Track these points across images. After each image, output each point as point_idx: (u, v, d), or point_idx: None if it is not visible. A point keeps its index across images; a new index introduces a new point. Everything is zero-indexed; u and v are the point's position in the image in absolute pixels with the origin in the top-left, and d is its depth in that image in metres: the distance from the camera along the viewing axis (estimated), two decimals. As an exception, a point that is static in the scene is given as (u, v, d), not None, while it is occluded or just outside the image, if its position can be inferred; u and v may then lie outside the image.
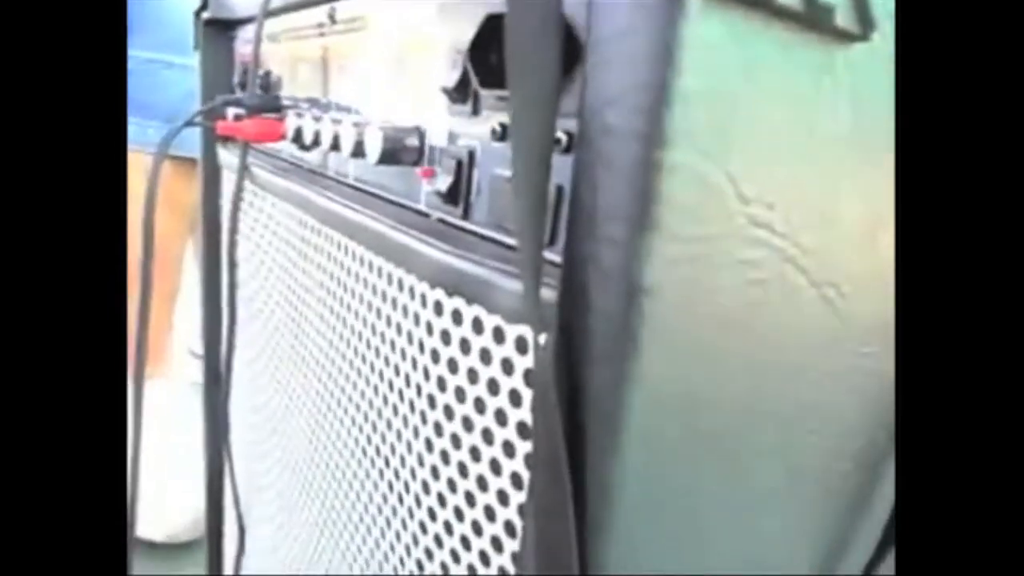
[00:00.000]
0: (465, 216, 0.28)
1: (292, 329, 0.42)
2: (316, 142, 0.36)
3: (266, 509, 0.50)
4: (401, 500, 0.30)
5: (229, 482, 0.56)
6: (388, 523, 0.31)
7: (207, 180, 0.54)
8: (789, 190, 0.20)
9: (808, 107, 0.20)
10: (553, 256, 0.22)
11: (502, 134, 0.26)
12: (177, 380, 1.07)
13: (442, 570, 0.28)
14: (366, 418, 0.33)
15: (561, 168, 0.21)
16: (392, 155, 0.30)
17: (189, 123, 0.42)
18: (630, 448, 0.19)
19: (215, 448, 0.63)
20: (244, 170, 0.45)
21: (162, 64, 0.84)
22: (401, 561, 0.31)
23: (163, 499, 0.91)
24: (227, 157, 0.51)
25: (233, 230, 0.47)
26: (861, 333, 0.24)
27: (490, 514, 0.25)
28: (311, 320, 0.39)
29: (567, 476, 0.19)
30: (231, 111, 0.47)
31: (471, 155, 0.27)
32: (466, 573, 0.26)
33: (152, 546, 0.91)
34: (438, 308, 0.26)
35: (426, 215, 0.30)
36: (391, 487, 0.31)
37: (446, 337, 0.26)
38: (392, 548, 0.31)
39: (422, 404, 0.28)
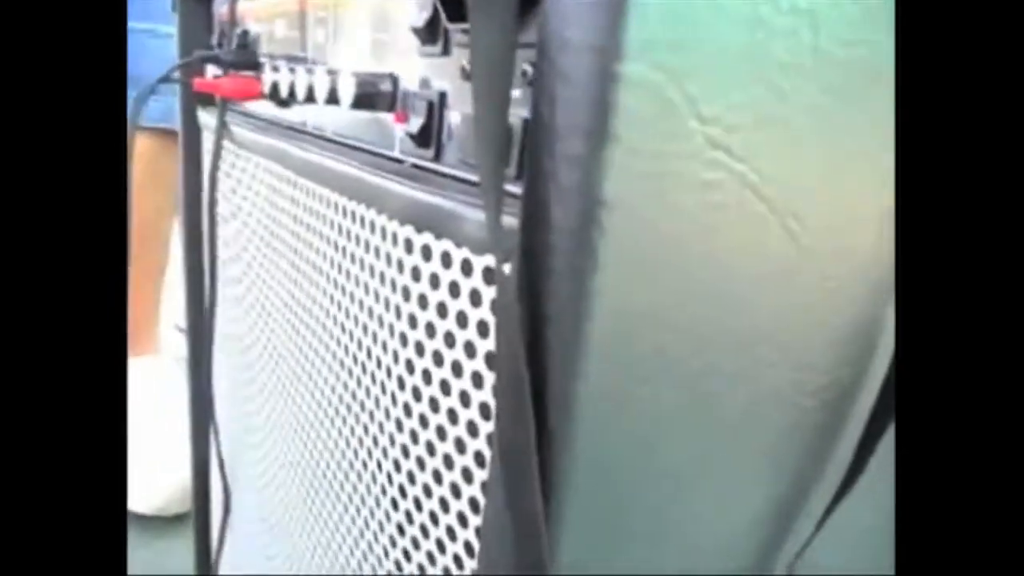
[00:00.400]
0: (437, 158, 0.28)
1: (273, 287, 0.42)
2: (292, 94, 0.36)
3: (252, 458, 0.51)
4: (376, 442, 0.30)
5: (214, 445, 0.56)
6: (364, 465, 0.32)
7: (187, 141, 0.53)
8: (749, 115, 0.20)
9: (766, 31, 0.20)
10: (519, 189, 0.22)
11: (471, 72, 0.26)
12: (165, 357, 1.07)
13: (415, 505, 0.28)
14: (342, 364, 0.33)
15: (527, 102, 0.21)
16: (366, 100, 0.31)
17: (165, 79, 0.42)
18: (592, 364, 0.19)
19: (200, 419, 0.63)
20: (222, 128, 0.45)
21: (147, 34, 0.83)
22: (377, 502, 0.31)
23: (151, 473, 0.92)
24: (207, 119, 0.51)
25: (212, 187, 0.47)
26: (823, 266, 0.25)
27: (460, 447, 0.25)
28: (289, 274, 0.39)
29: (528, 394, 0.19)
30: (210, 72, 0.47)
31: (442, 97, 0.27)
32: (438, 507, 0.27)
33: (140, 519, 0.91)
34: (408, 245, 0.26)
35: (400, 161, 0.31)
36: (366, 430, 0.31)
37: (416, 274, 0.26)
38: (368, 490, 0.32)
39: (394, 343, 0.28)
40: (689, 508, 0.24)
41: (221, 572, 0.63)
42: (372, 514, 0.32)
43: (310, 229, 0.36)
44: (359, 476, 0.32)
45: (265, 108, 0.45)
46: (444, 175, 0.27)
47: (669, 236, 0.20)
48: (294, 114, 0.42)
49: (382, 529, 0.31)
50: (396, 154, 0.31)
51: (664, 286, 0.20)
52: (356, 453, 0.32)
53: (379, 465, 0.30)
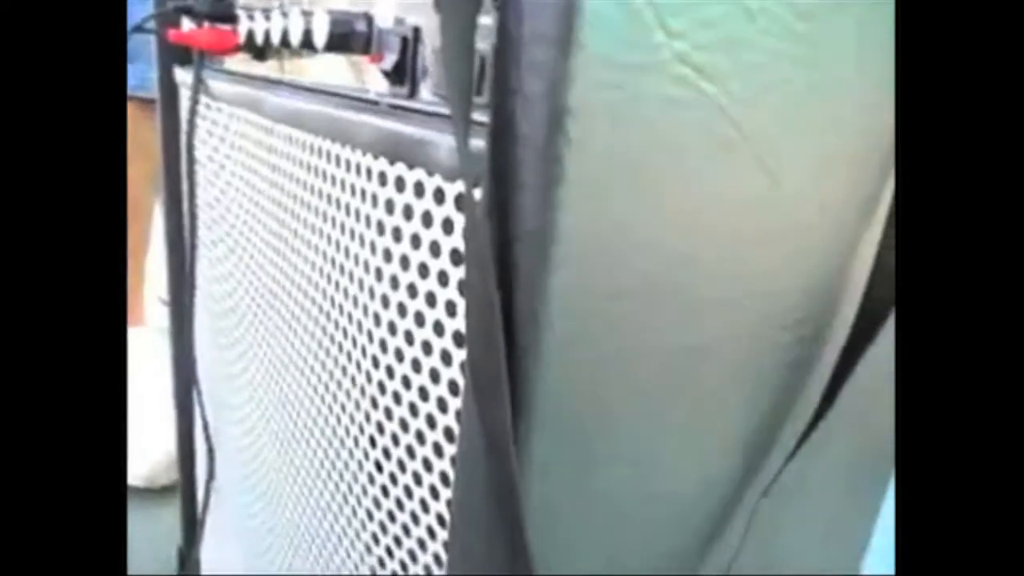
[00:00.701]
0: (412, 95, 0.28)
1: (253, 240, 0.42)
2: (268, 41, 0.36)
3: (235, 417, 0.51)
4: (354, 381, 0.31)
5: (198, 407, 0.56)
6: (343, 408, 0.32)
7: (165, 100, 0.53)
8: (718, 34, 0.20)
9: (735, -54, 0.20)
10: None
11: (444, 4, 0.26)
12: (150, 329, 1.07)
13: (392, 441, 0.28)
14: (320, 309, 0.33)
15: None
16: (341, 41, 0.30)
17: (138, 29, 0.41)
18: (560, 280, 0.20)
19: (184, 385, 0.63)
20: (199, 82, 0.44)
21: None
22: (356, 442, 0.31)
23: (139, 445, 0.92)
24: (184, 76, 0.50)
25: (190, 138, 0.46)
26: (795, 198, 0.25)
27: (435, 376, 0.25)
28: (269, 226, 0.39)
29: (498, 310, 0.20)
30: (186, 25, 0.47)
31: (416, 32, 0.27)
32: (414, 440, 0.27)
33: (129, 491, 0.91)
34: (382, 178, 0.26)
35: (375, 103, 0.31)
36: (344, 371, 0.31)
37: (390, 206, 0.26)
38: (347, 432, 0.32)
39: (370, 279, 0.28)
40: (663, 431, 0.25)
41: (207, 533, 0.63)
42: (351, 455, 0.32)
43: (286, 175, 0.35)
44: (338, 419, 0.33)
45: (243, 66, 0.45)
46: (419, 111, 0.27)
47: (635, 150, 0.20)
48: (269, 66, 0.41)
49: (361, 468, 0.31)
50: (371, 95, 0.31)
51: (631, 202, 0.20)
52: (335, 396, 0.33)
53: (357, 405, 0.31)
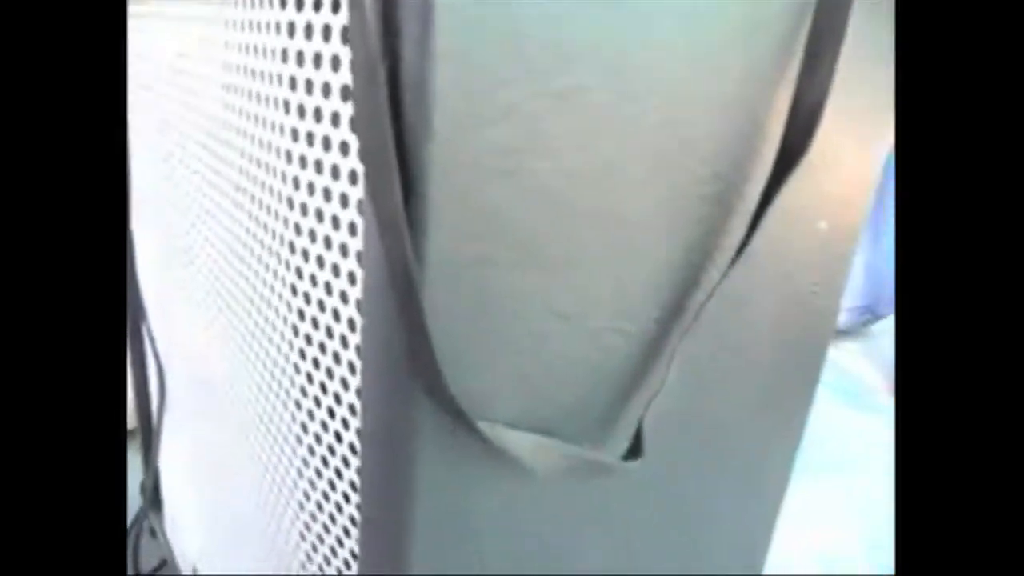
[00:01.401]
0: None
1: (191, 149, 0.43)
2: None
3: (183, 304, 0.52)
4: (270, 250, 0.32)
5: (146, 336, 0.57)
6: (267, 267, 0.33)
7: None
8: None
9: None
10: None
11: None
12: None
13: (311, 282, 0.30)
14: (238, 187, 0.34)
15: None
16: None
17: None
18: (445, 43, 0.20)
19: (135, 316, 0.63)
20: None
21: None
22: (278, 294, 0.33)
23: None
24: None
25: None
26: (703, 20, 0.25)
27: (336, 223, 0.27)
28: (202, 125, 0.40)
29: (383, 78, 0.20)
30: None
31: None
32: (331, 273, 0.29)
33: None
34: (278, 28, 0.27)
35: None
36: (262, 244, 0.33)
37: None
38: (273, 288, 0.33)
39: (276, 136, 0.29)
40: (570, 245, 0.25)
41: (166, 469, 0.64)
42: (277, 312, 0.33)
43: (211, 62, 0.36)
44: (264, 281, 0.34)
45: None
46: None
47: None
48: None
49: (285, 322, 0.33)
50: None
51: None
52: (264, 266, 0.34)
53: (279, 257, 0.32)
